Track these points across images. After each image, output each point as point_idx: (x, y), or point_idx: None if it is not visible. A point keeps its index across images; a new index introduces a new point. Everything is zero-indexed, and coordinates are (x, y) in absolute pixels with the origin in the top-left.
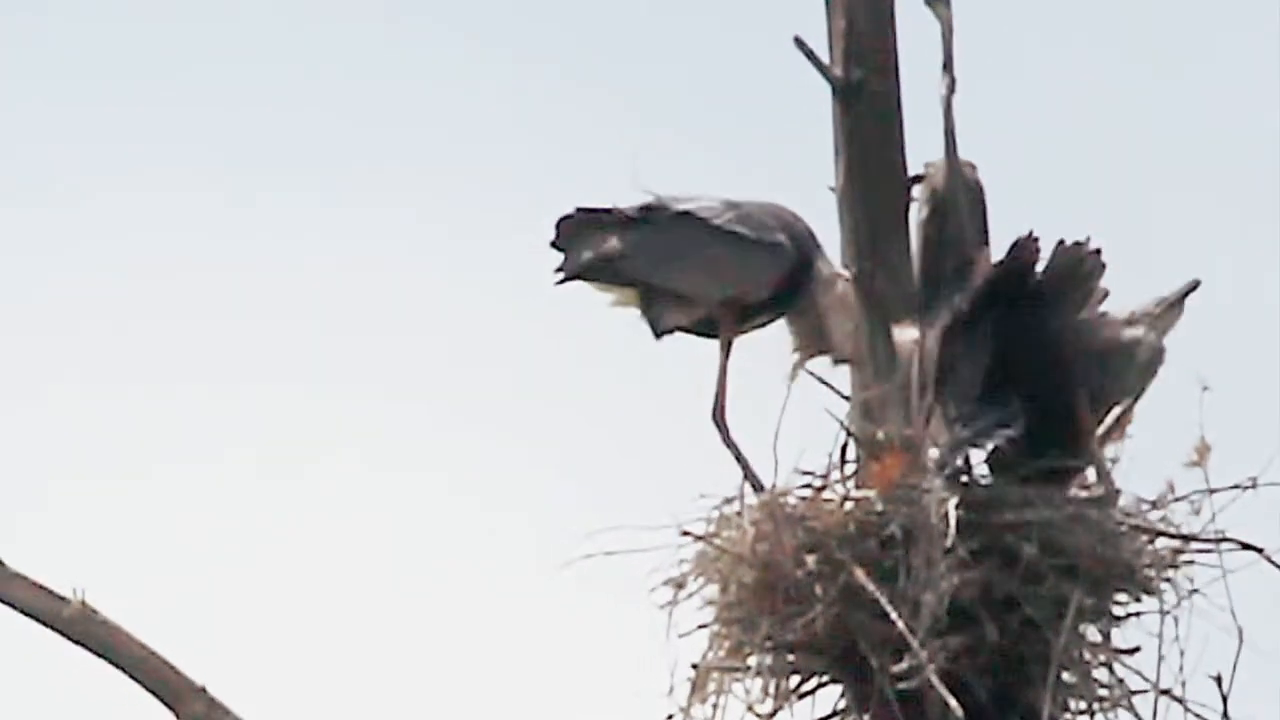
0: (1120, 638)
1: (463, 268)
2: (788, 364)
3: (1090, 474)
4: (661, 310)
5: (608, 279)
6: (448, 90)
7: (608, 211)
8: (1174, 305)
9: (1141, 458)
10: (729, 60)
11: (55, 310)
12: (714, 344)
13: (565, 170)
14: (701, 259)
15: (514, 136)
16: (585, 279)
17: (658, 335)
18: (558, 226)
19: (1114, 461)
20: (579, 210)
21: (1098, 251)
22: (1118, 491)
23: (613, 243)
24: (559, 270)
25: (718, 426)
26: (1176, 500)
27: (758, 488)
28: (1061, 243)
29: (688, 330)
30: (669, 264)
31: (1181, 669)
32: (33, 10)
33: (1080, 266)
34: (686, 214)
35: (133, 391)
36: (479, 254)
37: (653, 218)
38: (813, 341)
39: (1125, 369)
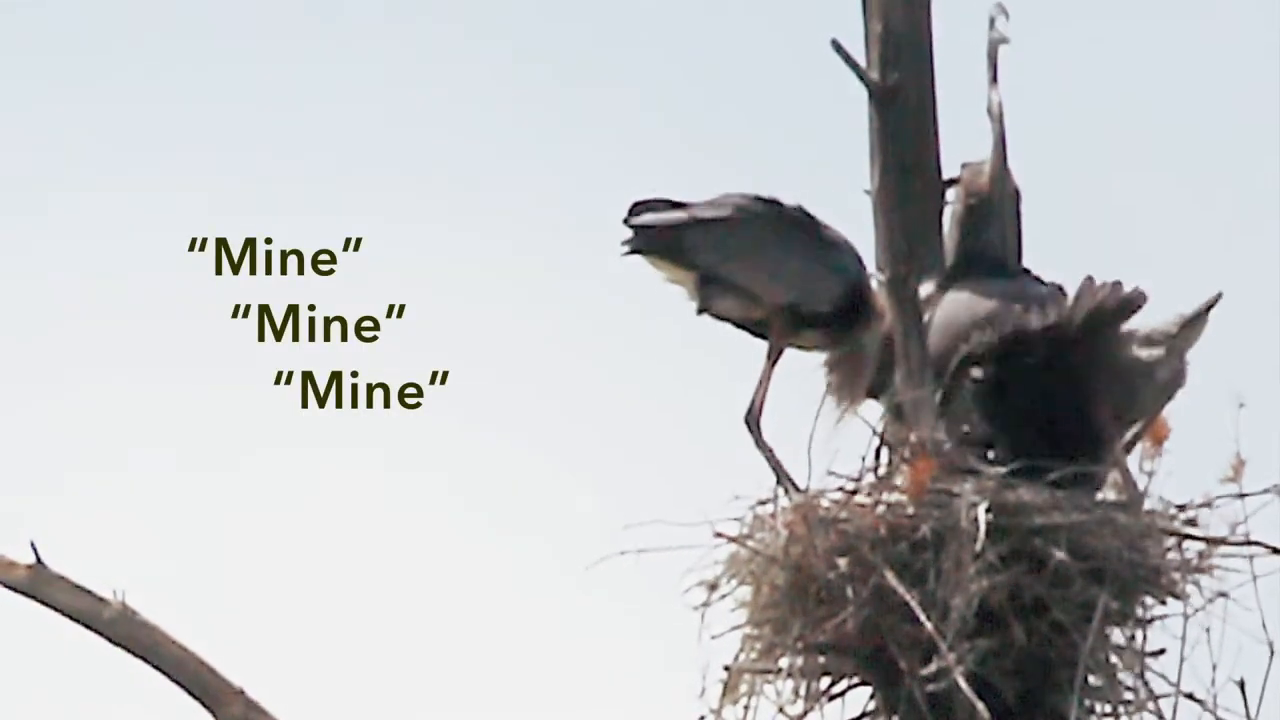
0: (1145, 641)
1: (493, 265)
2: (830, 410)
3: (1114, 478)
4: (716, 298)
5: (671, 259)
6: (478, 96)
7: (684, 205)
8: (1194, 321)
9: (1178, 472)
10: (766, 63)
11: (93, 309)
12: (754, 343)
13: (597, 174)
14: (768, 261)
15: (544, 139)
16: (647, 255)
17: (699, 312)
18: (633, 209)
19: (1150, 475)
20: (656, 200)
21: (1142, 295)
22: (1144, 496)
23: (684, 227)
24: (626, 244)
25: (751, 430)
26: (1204, 505)
27: (791, 490)
28: (1092, 282)
29: (735, 323)
30: (736, 259)
31: (1215, 673)
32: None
33: (1125, 310)
34: (760, 216)
35: (172, 393)
36: (512, 249)
37: (726, 216)
38: (851, 381)
39: (1143, 388)
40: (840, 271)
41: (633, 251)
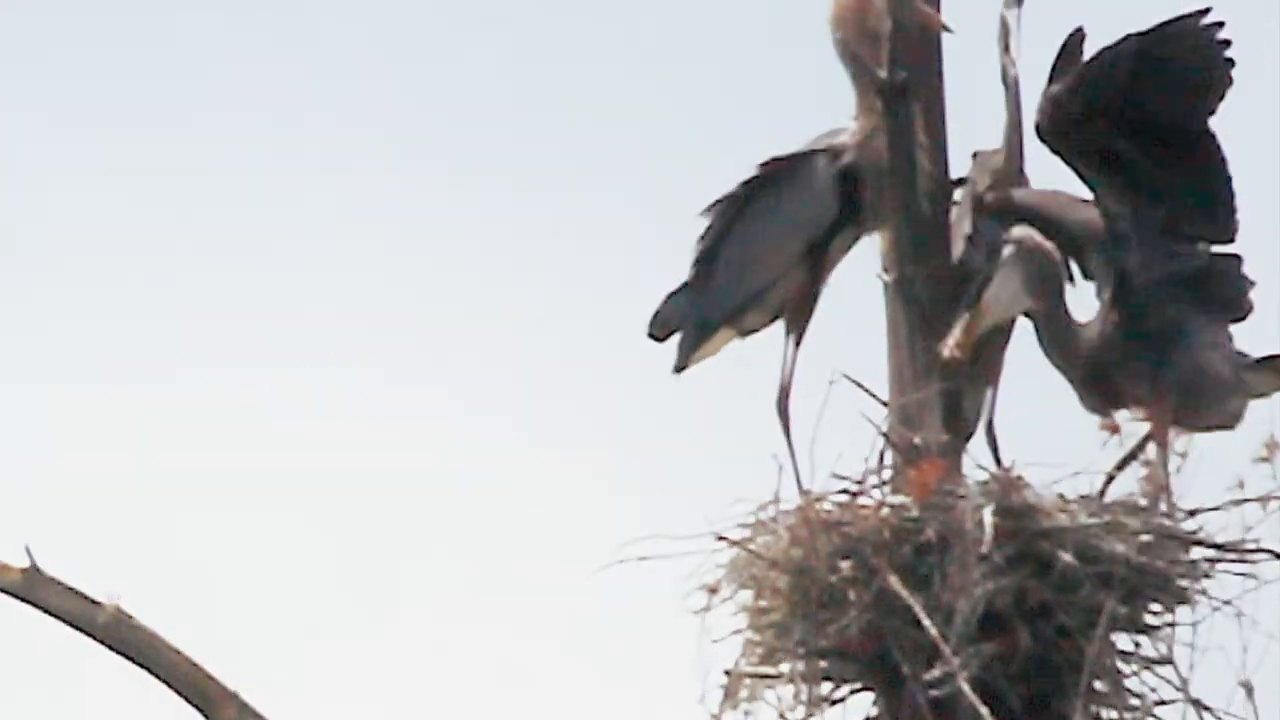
0: (1152, 646)
1: (501, 271)
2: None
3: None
4: (749, 320)
5: (708, 337)
6: (482, 96)
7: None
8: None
9: (1211, 454)
10: (772, 62)
11: (88, 309)
12: (755, 347)
13: (602, 177)
14: (762, 246)
15: (544, 140)
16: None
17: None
18: (651, 329)
19: (1183, 456)
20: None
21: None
22: (1171, 498)
23: (691, 313)
24: (675, 369)
25: (781, 415)
26: (1213, 509)
27: (801, 485)
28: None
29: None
30: (738, 280)
31: (1246, 671)
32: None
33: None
34: (728, 229)
35: (165, 398)
36: (516, 260)
37: (702, 260)
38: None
39: (1208, 408)
40: (819, 173)
41: (683, 360)
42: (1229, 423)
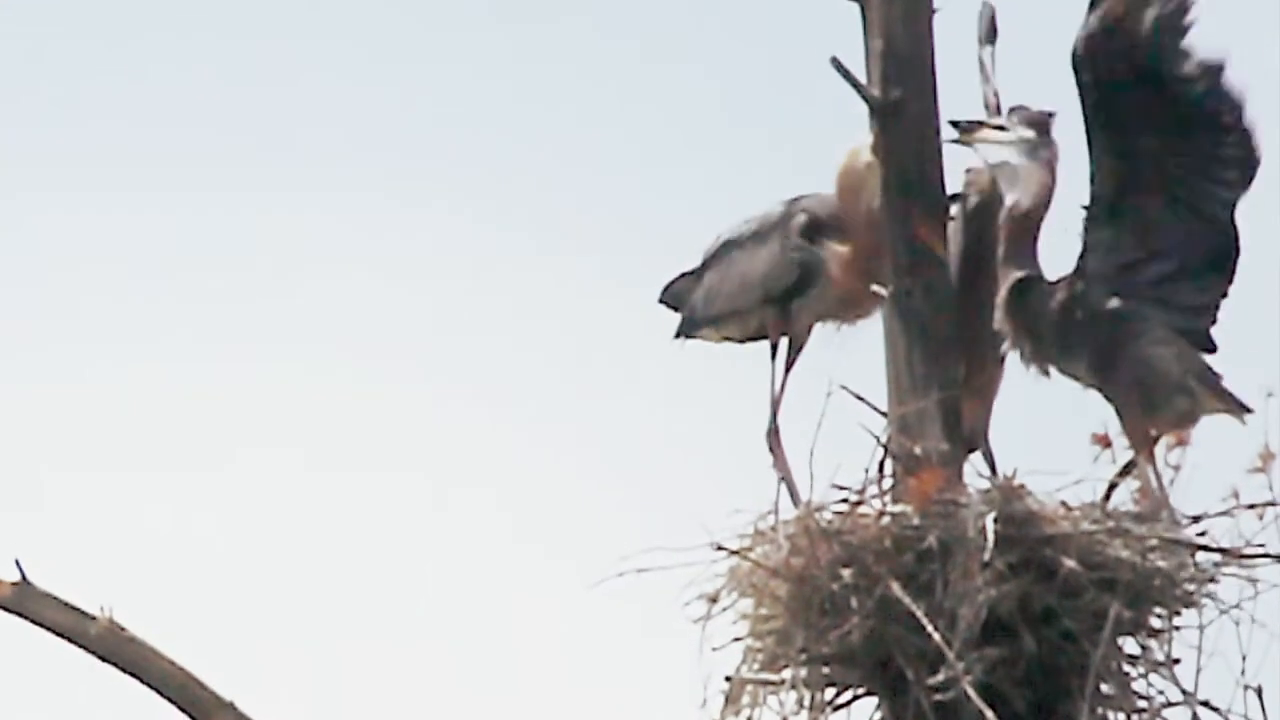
0: (1170, 647)
1: (496, 281)
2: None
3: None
4: (730, 332)
5: (696, 332)
6: (491, 115)
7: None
8: (1216, 401)
9: (1205, 465)
10: (767, 81)
11: (82, 323)
12: (753, 355)
13: (604, 187)
14: (735, 273)
15: (553, 152)
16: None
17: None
18: (663, 296)
19: (1176, 469)
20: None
21: None
22: (1165, 502)
23: (690, 299)
24: (677, 334)
25: (771, 447)
26: (1217, 515)
27: (797, 504)
28: None
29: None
30: (714, 293)
31: (1250, 675)
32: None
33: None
34: (724, 244)
35: (159, 410)
36: (513, 269)
37: (709, 261)
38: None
39: (1158, 405)
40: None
41: (680, 335)
42: (1182, 423)
